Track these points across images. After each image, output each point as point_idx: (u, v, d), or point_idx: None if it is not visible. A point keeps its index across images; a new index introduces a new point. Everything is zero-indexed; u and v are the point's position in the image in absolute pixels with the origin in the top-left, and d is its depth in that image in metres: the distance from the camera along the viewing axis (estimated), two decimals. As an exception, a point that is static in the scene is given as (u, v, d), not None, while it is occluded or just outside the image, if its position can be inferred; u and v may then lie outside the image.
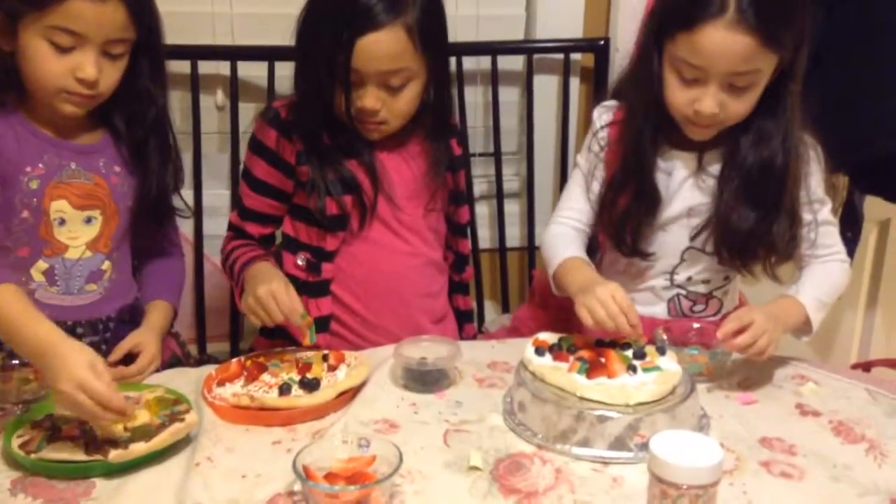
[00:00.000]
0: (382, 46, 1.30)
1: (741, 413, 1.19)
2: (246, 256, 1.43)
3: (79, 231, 1.31)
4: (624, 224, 1.39)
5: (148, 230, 1.45)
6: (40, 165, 1.27)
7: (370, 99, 1.34)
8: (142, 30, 1.26)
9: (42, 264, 1.30)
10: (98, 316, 1.36)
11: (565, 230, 1.46)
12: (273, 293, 1.28)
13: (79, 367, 1.01)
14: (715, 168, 1.37)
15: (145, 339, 1.33)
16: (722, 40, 1.21)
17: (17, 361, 1.18)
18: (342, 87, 1.33)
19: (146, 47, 1.30)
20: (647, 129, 1.35)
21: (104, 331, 1.36)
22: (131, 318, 1.40)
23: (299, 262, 1.46)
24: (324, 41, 1.32)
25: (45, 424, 1.07)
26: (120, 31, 1.22)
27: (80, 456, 1.00)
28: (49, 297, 1.31)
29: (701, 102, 1.26)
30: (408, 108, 1.39)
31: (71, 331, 1.32)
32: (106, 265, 1.35)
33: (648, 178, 1.37)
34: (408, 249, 1.49)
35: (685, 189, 1.39)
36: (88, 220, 1.32)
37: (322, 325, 1.46)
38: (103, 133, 1.35)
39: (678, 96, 1.29)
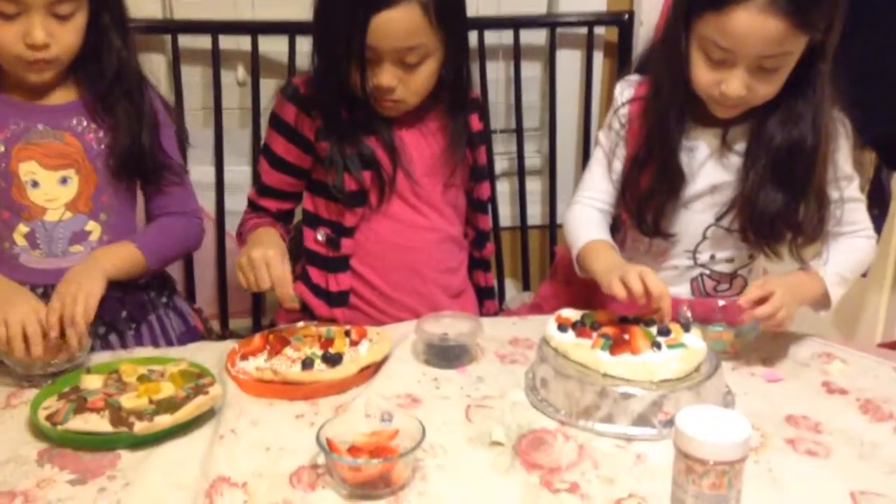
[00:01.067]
0: (397, 23, 1.28)
1: (767, 391, 1.18)
2: (254, 223, 1.44)
3: (54, 192, 1.31)
4: (646, 204, 1.38)
5: (149, 191, 1.43)
6: (4, 130, 1.28)
7: (386, 76, 1.33)
8: None
9: (23, 227, 1.30)
10: None
11: (588, 211, 1.45)
12: (267, 259, 1.26)
13: (23, 304, 1.15)
14: (740, 145, 1.35)
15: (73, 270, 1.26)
16: (752, 24, 1.18)
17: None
18: (358, 64, 1.32)
19: (104, 2, 1.30)
20: (673, 109, 1.33)
21: None
22: (125, 283, 1.38)
23: (319, 238, 1.46)
24: (339, 18, 1.31)
25: (71, 396, 1.08)
26: None
27: (106, 428, 1.01)
28: (34, 261, 1.31)
29: (727, 84, 1.24)
30: (424, 85, 1.38)
31: None
32: (91, 226, 1.35)
33: (672, 157, 1.35)
34: (426, 224, 1.48)
35: (708, 166, 1.37)
36: (64, 181, 1.32)
37: (341, 299, 1.46)
38: (76, 91, 1.34)
39: (704, 77, 1.27)
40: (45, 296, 1.29)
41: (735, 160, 1.35)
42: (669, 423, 1.04)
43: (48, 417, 1.04)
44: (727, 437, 0.79)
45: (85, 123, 1.33)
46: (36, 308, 1.18)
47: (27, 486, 0.94)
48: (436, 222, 1.49)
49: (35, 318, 1.17)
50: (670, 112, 1.33)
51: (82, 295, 1.20)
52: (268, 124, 1.48)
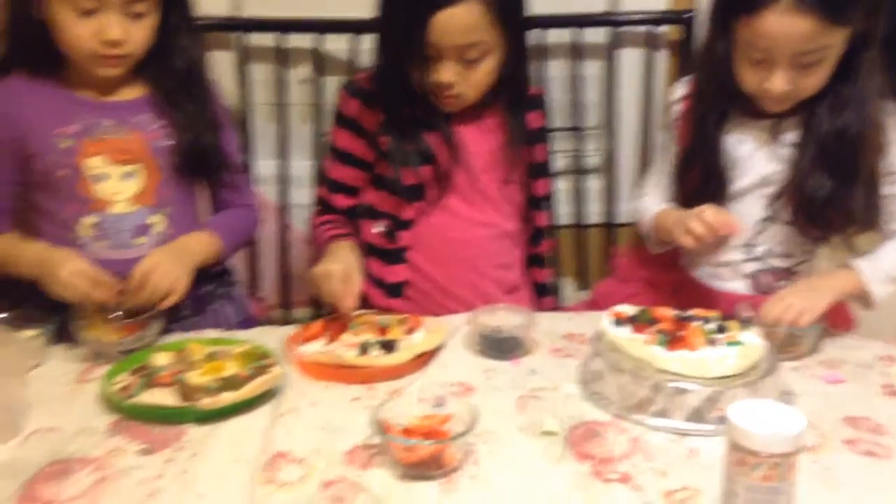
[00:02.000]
0: (458, 20, 1.30)
1: (827, 392, 1.16)
2: (330, 233, 1.47)
3: (120, 186, 1.35)
4: (694, 200, 1.39)
5: (213, 186, 1.47)
6: (73, 125, 1.32)
7: (446, 73, 1.35)
8: None
9: (89, 220, 1.35)
10: None
11: (652, 202, 1.49)
12: (329, 274, 1.31)
13: (75, 258, 1.19)
14: (791, 136, 1.35)
15: (157, 256, 1.29)
16: (781, 24, 1.20)
17: (116, 314, 1.24)
18: (419, 60, 1.35)
19: (175, 3, 1.34)
20: (714, 113, 1.36)
21: None
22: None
23: (377, 230, 1.49)
24: (401, 16, 1.33)
25: (141, 372, 1.13)
26: None
27: (174, 402, 1.06)
28: (99, 252, 1.35)
29: (771, 82, 1.26)
30: (484, 82, 1.40)
31: None
32: (154, 219, 1.38)
33: (714, 160, 1.37)
34: (483, 220, 1.50)
35: (759, 158, 1.37)
36: (129, 176, 1.35)
37: (397, 290, 1.49)
38: (143, 88, 1.38)
39: (749, 77, 1.29)
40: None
41: (786, 151, 1.36)
42: (724, 419, 1.03)
43: (120, 391, 1.09)
44: (779, 429, 0.79)
45: (151, 120, 1.37)
46: (81, 267, 1.23)
47: (98, 454, 0.99)
48: (492, 218, 1.51)
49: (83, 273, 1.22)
50: (710, 115, 1.36)
51: (171, 281, 1.28)
52: (334, 122, 1.51)
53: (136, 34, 1.28)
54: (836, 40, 1.23)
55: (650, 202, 1.52)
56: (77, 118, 1.33)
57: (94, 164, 1.33)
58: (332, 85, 1.93)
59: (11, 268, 1.21)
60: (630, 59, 1.99)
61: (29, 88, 1.32)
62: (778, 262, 1.41)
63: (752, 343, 1.12)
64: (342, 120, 1.49)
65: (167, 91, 1.37)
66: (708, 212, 1.26)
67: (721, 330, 1.14)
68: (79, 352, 1.23)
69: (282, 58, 1.87)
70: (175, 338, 1.31)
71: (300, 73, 1.97)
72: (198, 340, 1.23)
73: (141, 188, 1.37)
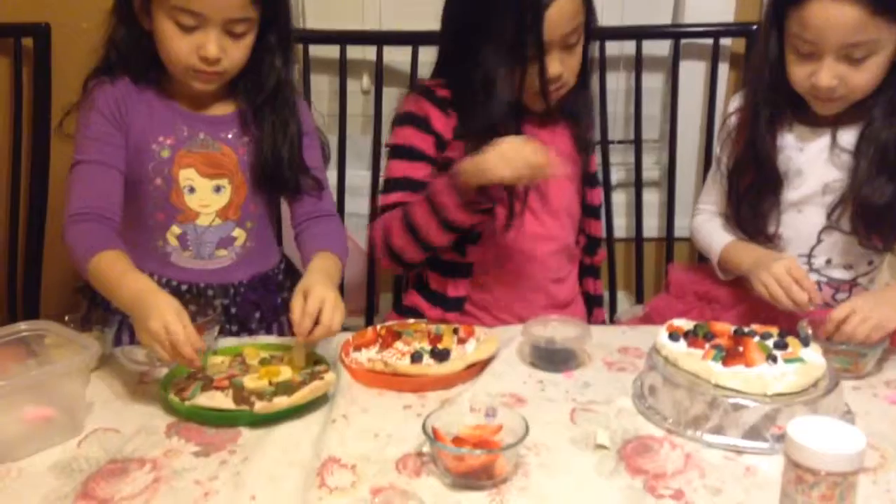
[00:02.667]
0: (566, 10, 1.33)
1: (889, 412, 1.12)
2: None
3: (208, 199, 1.38)
4: (745, 206, 1.39)
5: (292, 199, 1.47)
6: (171, 135, 1.36)
7: (554, 65, 1.35)
8: (266, 8, 1.31)
9: (176, 229, 1.38)
10: (230, 280, 1.43)
11: (711, 219, 1.50)
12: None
13: (167, 311, 1.08)
14: (850, 144, 1.33)
15: (307, 283, 1.22)
16: (828, 13, 1.21)
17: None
18: (534, 57, 1.34)
19: (273, 23, 1.36)
20: (764, 111, 1.36)
21: (234, 295, 1.43)
22: (264, 286, 1.46)
23: None
24: (506, 18, 1.33)
25: (198, 375, 1.15)
26: (239, 10, 1.28)
27: (229, 405, 1.08)
28: (183, 261, 1.40)
29: (817, 76, 1.26)
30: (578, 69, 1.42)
31: (203, 293, 1.41)
32: (237, 233, 1.42)
33: (766, 159, 1.36)
34: (544, 233, 1.49)
35: (819, 166, 1.35)
36: (217, 189, 1.39)
37: (457, 305, 1.49)
38: (236, 105, 1.41)
39: (796, 71, 1.29)
40: (191, 293, 1.39)
41: (846, 159, 1.34)
42: (782, 437, 1.01)
43: (177, 393, 1.11)
44: (840, 448, 0.76)
45: (239, 135, 1.40)
46: (167, 319, 1.10)
47: (156, 454, 1.01)
48: (553, 230, 1.50)
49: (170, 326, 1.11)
50: (761, 113, 1.36)
51: (333, 307, 1.20)
52: (395, 125, 1.49)
53: (233, 52, 1.31)
54: (886, 35, 1.22)
55: (706, 220, 1.51)
56: (175, 129, 1.36)
57: (187, 175, 1.37)
58: (392, 96, 1.95)
59: (108, 293, 1.19)
60: (692, 72, 1.96)
61: (135, 95, 1.36)
62: (838, 274, 1.38)
63: (812, 360, 1.09)
64: (409, 118, 1.46)
65: (254, 107, 1.39)
66: (794, 267, 1.25)
67: (781, 346, 1.11)
68: (139, 354, 1.26)
69: (342, 69, 1.90)
70: (235, 340, 1.34)
71: (360, 84, 2.00)
72: (253, 345, 1.25)
73: (227, 202, 1.40)
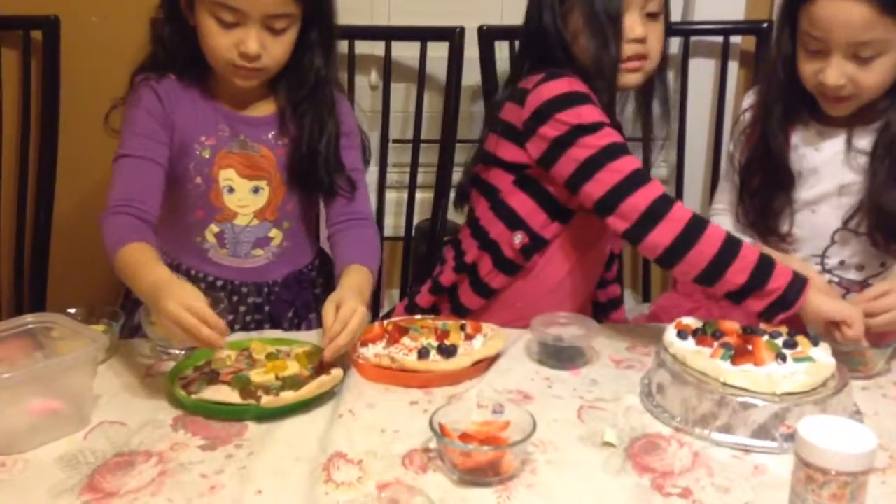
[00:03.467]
0: None
1: (899, 413, 1.12)
2: None
3: (247, 200, 1.39)
4: (758, 203, 1.38)
5: (326, 200, 1.45)
6: (213, 135, 1.36)
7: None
8: (308, 4, 1.30)
9: (214, 227, 1.39)
10: (265, 279, 1.43)
11: (726, 219, 1.48)
12: None
13: (188, 294, 1.08)
14: (867, 145, 1.32)
15: (340, 295, 1.22)
16: (837, 9, 1.20)
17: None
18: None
19: (316, 21, 1.34)
20: (778, 108, 1.34)
21: (269, 294, 1.44)
22: (298, 284, 1.46)
23: (515, 241, 1.38)
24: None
25: (205, 369, 1.15)
26: (279, 6, 1.27)
27: (236, 399, 1.07)
28: (220, 258, 1.41)
29: (824, 74, 1.25)
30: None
31: (237, 291, 1.42)
32: (273, 233, 1.42)
33: (778, 156, 1.35)
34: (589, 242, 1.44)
35: (835, 166, 1.34)
36: (256, 190, 1.39)
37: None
38: (276, 105, 1.40)
39: (805, 68, 1.29)
40: (225, 289, 1.40)
41: (862, 160, 1.33)
42: (791, 436, 1.00)
43: (184, 387, 1.11)
44: (851, 447, 0.76)
45: (278, 137, 1.40)
46: (188, 301, 1.09)
47: (162, 448, 1.01)
48: (595, 241, 1.44)
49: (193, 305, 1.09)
50: (773, 110, 1.35)
51: (361, 322, 1.19)
52: (565, 107, 1.31)
53: (274, 49, 1.30)
54: (893, 35, 1.20)
55: (722, 221, 1.49)
56: (217, 129, 1.36)
57: (227, 175, 1.37)
58: (399, 92, 1.95)
59: (130, 282, 1.18)
60: (702, 70, 1.95)
61: (180, 93, 1.36)
62: (851, 275, 1.37)
63: (821, 360, 1.08)
64: (580, 96, 1.32)
65: (293, 104, 1.38)
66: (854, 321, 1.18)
67: (790, 345, 1.10)
68: (146, 347, 1.26)
69: (350, 64, 1.89)
70: (242, 334, 1.33)
71: (368, 79, 2.00)
72: (260, 340, 1.25)
73: (265, 203, 1.40)
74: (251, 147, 1.38)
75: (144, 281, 1.14)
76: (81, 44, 1.83)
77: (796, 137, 1.37)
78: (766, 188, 1.37)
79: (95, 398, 1.10)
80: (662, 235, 1.22)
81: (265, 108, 1.40)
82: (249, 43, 1.26)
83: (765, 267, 1.20)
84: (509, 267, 1.41)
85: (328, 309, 1.18)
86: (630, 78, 1.37)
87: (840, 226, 1.35)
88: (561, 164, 1.30)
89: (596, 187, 1.27)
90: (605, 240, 1.46)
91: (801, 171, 1.35)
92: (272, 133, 1.39)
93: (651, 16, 1.35)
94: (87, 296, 1.47)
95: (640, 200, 1.24)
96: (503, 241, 1.40)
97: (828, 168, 1.34)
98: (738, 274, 1.20)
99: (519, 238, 1.38)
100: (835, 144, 1.34)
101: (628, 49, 1.33)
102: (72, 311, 1.25)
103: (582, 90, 1.32)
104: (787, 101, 1.33)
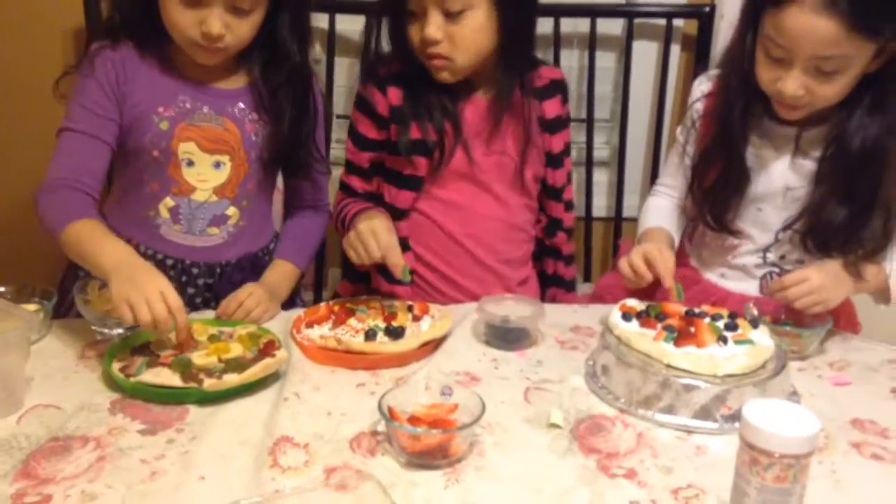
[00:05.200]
0: None
1: (833, 393, 1.15)
2: (358, 206, 1.42)
3: (207, 174, 1.34)
4: (711, 198, 1.38)
5: (291, 183, 1.46)
6: (172, 106, 1.30)
7: (431, 28, 1.32)
8: None
9: (169, 201, 1.34)
10: (218, 259, 1.39)
11: (661, 201, 1.49)
12: (373, 229, 1.28)
13: (163, 280, 1.10)
14: (815, 151, 1.32)
15: (253, 288, 1.32)
16: (805, 22, 1.17)
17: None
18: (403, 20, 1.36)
19: (287, 2, 1.31)
20: (738, 105, 1.33)
21: (220, 274, 1.39)
22: (252, 266, 1.42)
23: None
24: None
25: (144, 351, 1.11)
26: None
27: (177, 382, 1.04)
28: (172, 235, 1.35)
29: (783, 83, 1.23)
30: (470, 39, 1.35)
31: (187, 271, 1.37)
32: (231, 211, 1.38)
33: (736, 153, 1.34)
34: (486, 213, 1.47)
35: (782, 167, 1.35)
36: (217, 165, 1.34)
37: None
38: (246, 79, 1.36)
39: (763, 73, 1.27)
40: (175, 269, 1.35)
41: (809, 165, 1.33)
42: (732, 417, 1.03)
43: (121, 369, 1.07)
44: (795, 431, 0.78)
45: (247, 112, 1.35)
46: (161, 287, 1.10)
47: (99, 432, 0.98)
48: (496, 211, 1.48)
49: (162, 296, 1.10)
50: (734, 107, 1.33)
51: (263, 308, 1.30)
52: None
53: (237, 29, 1.25)
54: (859, 52, 1.19)
55: (658, 202, 1.50)
56: (178, 100, 1.31)
57: (187, 149, 1.31)
58: (344, 66, 1.91)
59: (84, 259, 1.16)
60: (645, 52, 1.97)
61: (138, 61, 1.30)
62: (791, 267, 1.39)
63: (761, 342, 1.11)
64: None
65: (270, 87, 1.35)
66: (653, 256, 1.27)
67: (731, 328, 1.13)
68: (80, 327, 1.22)
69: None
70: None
71: (312, 52, 1.95)
72: (202, 321, 1.22)
73: (226, 179, 1.35)
74: (215, 120, 1.33)
75: (106, 258, 1.12)
76: (10, 18, 1.74)
77: (751, 133, 1.36)
78: (721, 184, 1.36)
79: (28, 381, 1.06)
80: None
81: (235, 81, 1.36)
82: (212, 22, 1.22)
83: None
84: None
85: (238, 295, 1.28)
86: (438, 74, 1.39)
87: (783, 224, 1.37)
88: None
89: None
90: None
91: (752, 167, 1.36)
92: (239, 107, 1.35)
93: (451, 15, 1.32)
94: (16, 275, 1.39)
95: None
96: None
97: (776, 167, 1.35)
98: None
99: None
100: (782, 146, 1.34)
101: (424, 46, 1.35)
102: (0, 289, 1.20)
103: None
104: (747, 97, 1.32)
